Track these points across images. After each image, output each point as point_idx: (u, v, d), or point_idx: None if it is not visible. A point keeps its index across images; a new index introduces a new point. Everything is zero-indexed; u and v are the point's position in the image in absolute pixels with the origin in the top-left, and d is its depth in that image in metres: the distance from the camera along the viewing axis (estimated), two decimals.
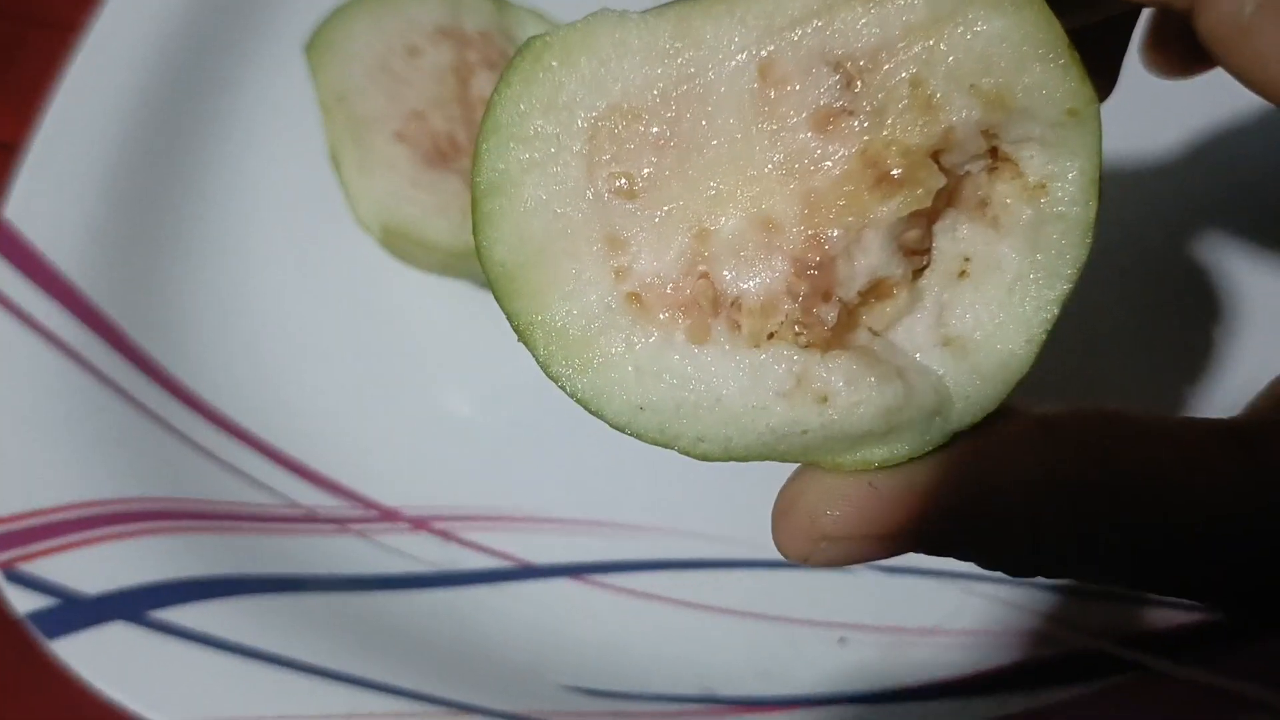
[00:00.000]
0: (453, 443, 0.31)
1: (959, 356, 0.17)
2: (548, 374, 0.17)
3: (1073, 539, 0.19)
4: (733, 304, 0.17)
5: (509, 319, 0.17)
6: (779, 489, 0.29)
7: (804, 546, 0.20)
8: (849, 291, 0.17)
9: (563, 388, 0.17)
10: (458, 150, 0.30)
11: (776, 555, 0.29)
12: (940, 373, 0.17)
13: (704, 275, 0.16)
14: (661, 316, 0.17)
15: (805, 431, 0.17)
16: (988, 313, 0.17)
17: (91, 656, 0.26)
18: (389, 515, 0.30)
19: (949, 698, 0.27)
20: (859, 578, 0.28)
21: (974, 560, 0.19)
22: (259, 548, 0.29)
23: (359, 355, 0.32)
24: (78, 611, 0.27)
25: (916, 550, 0.19)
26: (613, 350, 0.17)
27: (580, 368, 0.17)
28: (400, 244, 0.29)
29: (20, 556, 0.27)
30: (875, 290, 0.17)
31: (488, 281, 0.17)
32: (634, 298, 0.17)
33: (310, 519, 0.29)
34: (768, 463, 0.29)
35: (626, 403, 0.18)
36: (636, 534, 0.29)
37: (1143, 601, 0.27)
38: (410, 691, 0.26)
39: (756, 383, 0.17)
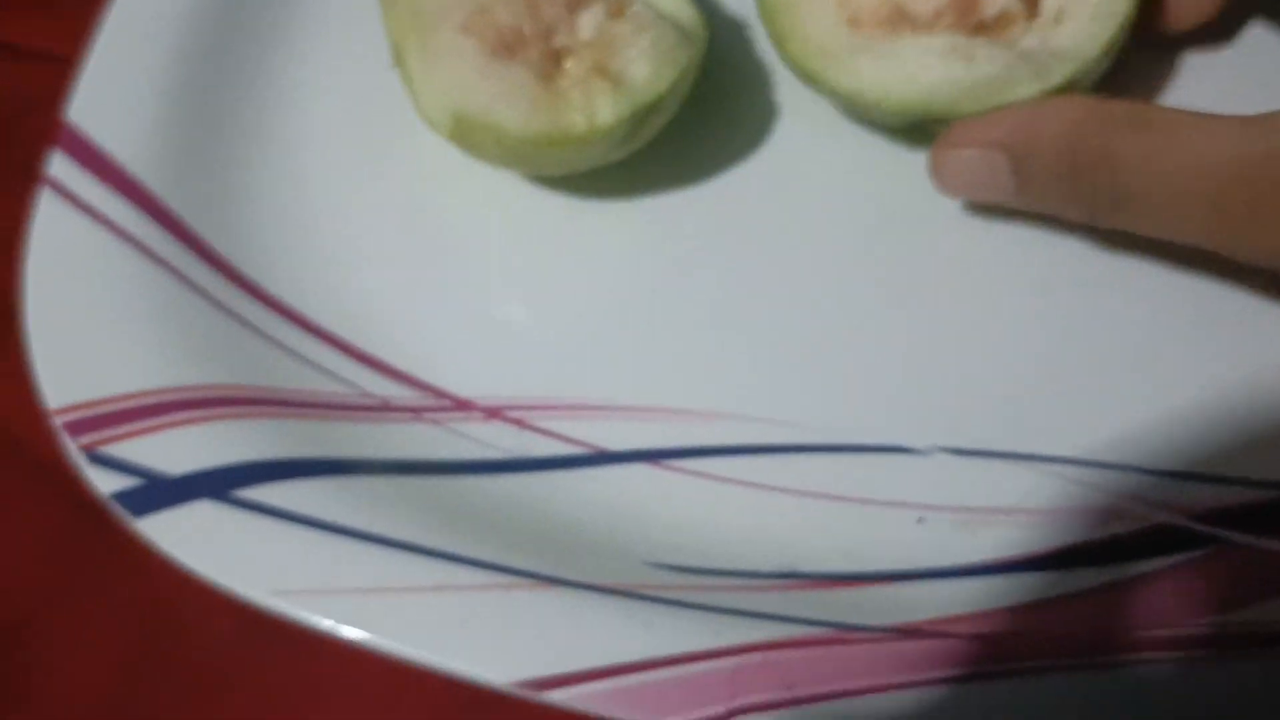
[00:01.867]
0: (520, 335, 0.31)
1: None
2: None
3: None
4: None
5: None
6: (856, 366, 0.29)
7: (938, 158, 0.28)
8: (989, 12, 0.29)
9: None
10: (524, 42, 0.30)
11: (852, 439, 0.29)
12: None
13: None
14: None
15: (955, 81, 0.28)
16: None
17: (178, 533, 0.26)
18: (462, 405, 0.30)
19: (1026, 571, 0.27)
20: (934, 460, 0.28)
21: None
22: (337, 433, 0.29)
23: (424, 250, 0.32)
24: (162, 491, 0.27)
25: (1021, 188, 0.27)
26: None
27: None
28: (470, 133, 0.29)
29: (102, 439, 0.28)
30: (1003, 19, 0.29)
31: None
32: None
33: (385, 407, 0.30)
34: (844, 349, 0.29)
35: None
36: (711, 420, 0.29)
37: (1218, 480, 0.28)
38: (496, 564, 0.26)
39: (927, 50, 0.28)
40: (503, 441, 0.29)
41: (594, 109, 0.28)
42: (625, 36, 0.29)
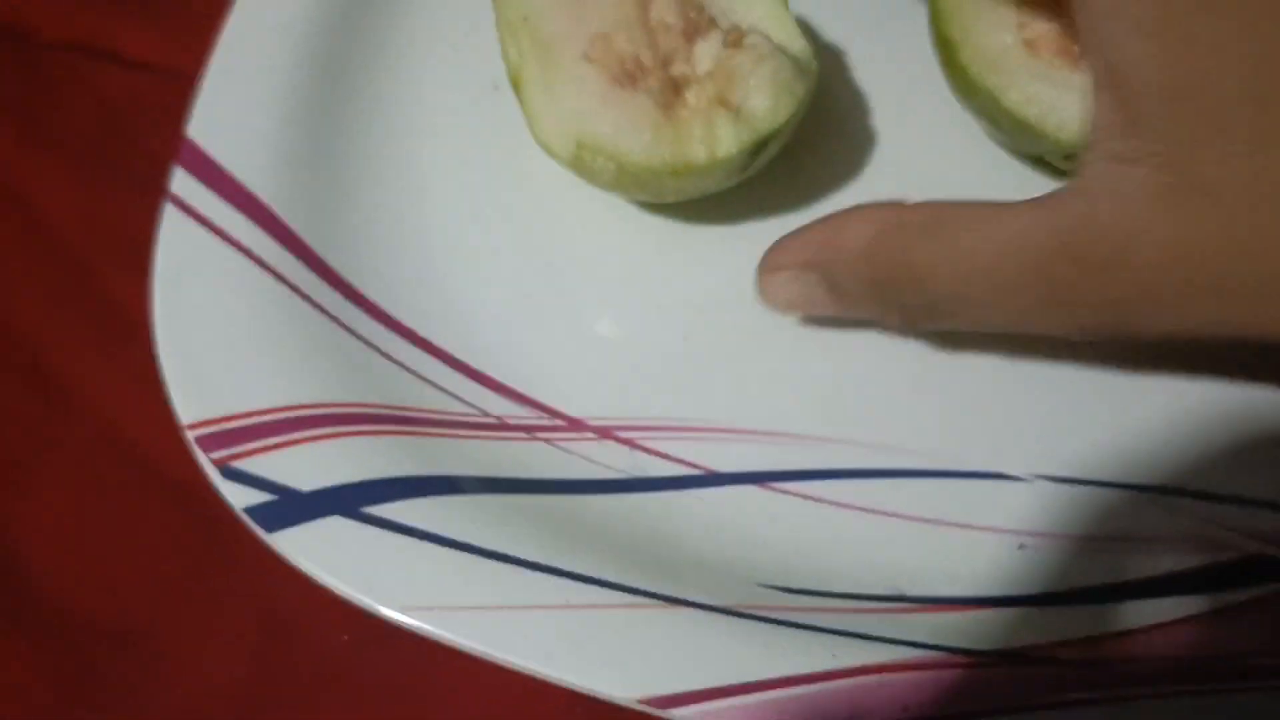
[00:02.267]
0: (629, 356, 0.32)
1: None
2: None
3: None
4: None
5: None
6: (959, 393, 0.30)
7: (763, 278, 0.29)
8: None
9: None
10: (644, 71, 0.30)
11: (955, 466, 0.30)
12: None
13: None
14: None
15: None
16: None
17: (310, 548, 0.27)
18: (575, 424, 0.31)
19: (1125, 599, 0.28)
20: (1034, 487, 0.29)
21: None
22: (458, 450, 0.30)
23: (536, 272, 0.33)
24: (295, 506, 0.28)
25: (837, 302, 0.28)
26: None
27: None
28: (590, 160, 0.30)
29: (234, 455, 0.29)
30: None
31: None
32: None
33: (502, 426, 0.30)
34: (947, 376, 0.30)
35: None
36: (817, 445, 0.30)
37: None
38: (618, 584, 0.27)
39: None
40: (616, 461, 0.30)
41: (716, 140, 0.29)
42: (745, 67, 0.29)
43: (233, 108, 0.33)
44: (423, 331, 0.32)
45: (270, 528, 0.28)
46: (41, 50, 0.38)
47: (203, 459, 0.29)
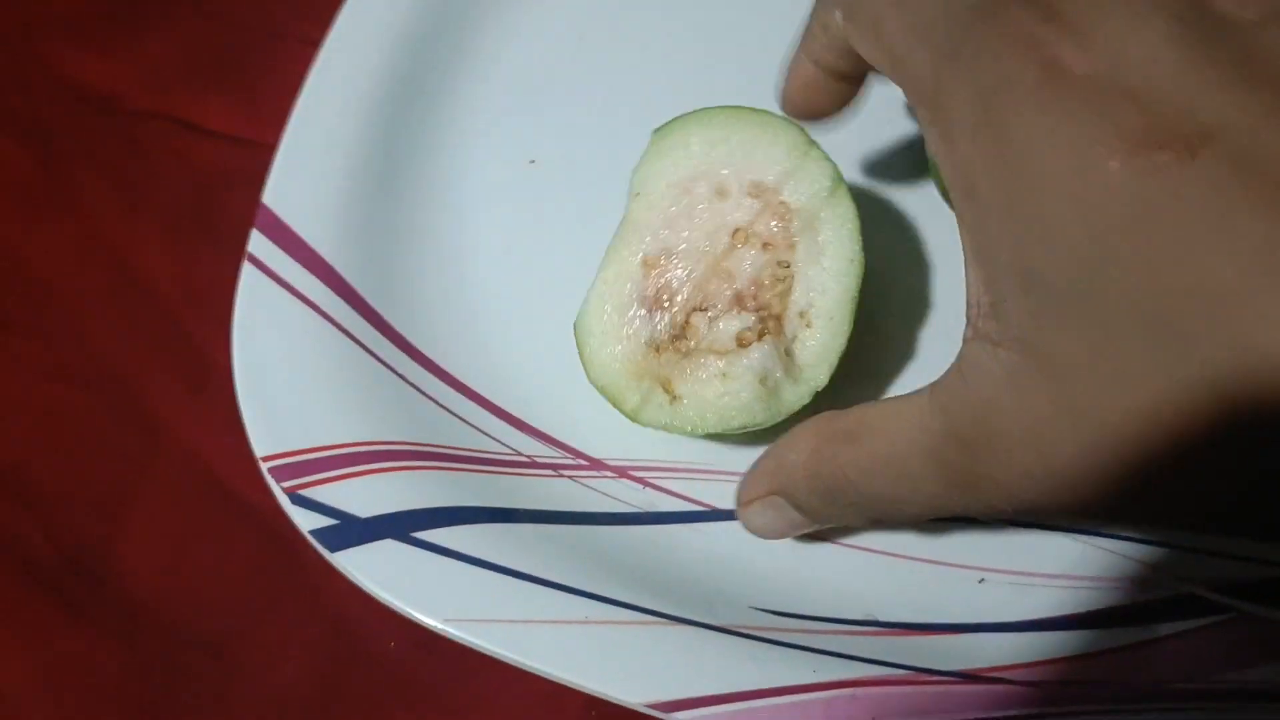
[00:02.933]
0: None
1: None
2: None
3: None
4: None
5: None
6: None
7: (741, 513, 0.32)
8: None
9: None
10: (666, 304, 0.33)
11: None
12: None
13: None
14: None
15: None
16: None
17: (366, 566, 0.32)
18: (596, 464, 0.35)
19: (1072, 629, 0.32)
20: (995, 530, 0.34)
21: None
22: (494, 485, 0.34)
23: (568, 331, 0.37)
24: (354, 530, 0.32)
25: (809, 517, 0.30)
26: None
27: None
28: (651, 416, 0.33)
29: (302, 484, 0.33)
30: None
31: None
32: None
33: (531, 464, 0.35)
34: None
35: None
36: None
37: (1235, 558, 0.33)
38: (630, 604, 0.32)
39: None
40: (630, 498, 0.35)
41: (780, 404, 0.32)
42: (801, 334, 0.32)
43: (303, 178, 0.38)
44: (465, 379, 0.36)
45: (333, 548, 0.32)
46: (135, 119, 0.43)
47: (275, 487, 0.33)
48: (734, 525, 0.34)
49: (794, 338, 0.32)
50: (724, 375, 0.31)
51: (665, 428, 0.32)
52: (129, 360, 0.39)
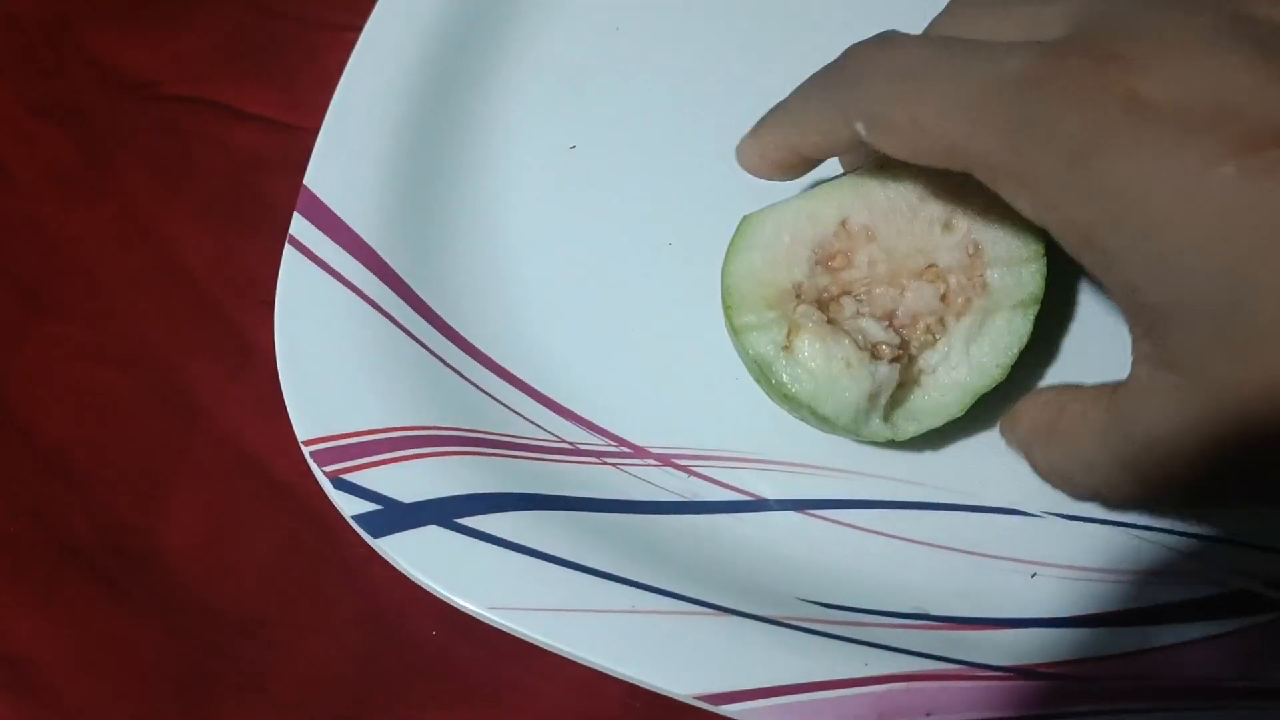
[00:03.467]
0: (688, 394, 0.35)
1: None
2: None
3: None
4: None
5: None
6: (981, 437, 0.34)
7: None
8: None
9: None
10: (834, 268, 0.32)
11: (976, 501, 0.34)
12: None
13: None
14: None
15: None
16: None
17: (410, 552, 0.32)
18: (639, 452, 0.35)
19: (1124, 625, 0.31)
20: (1046, 523, 0.33)
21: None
22: (538, 471, 0.34)
23: (609, 317, 0.37)
24: (398, 515, 0.32)
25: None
26: None
27: None
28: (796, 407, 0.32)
29: (345, 469, 0.33)
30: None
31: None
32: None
33: (575, 451, 0.35)
34: (970, 428, 0.34)
35: None
36: (854, 478, 0.34)
37: None
38: (676, 593, 0.31)
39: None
40: (674, 486, 0.34)
41: (863, 426, 0.32)
42: (915, 387, 0.32)
43: (345, 161, 0.38)
44: (508, 365, 0.36)
45: (376, 533, 0.32)
46: (170, 103, 0.43)
47: (318, 472, 0.33)
48: (779, 515, 0.34)
49: (911, 384, 0.32)
50: (847, 364, 0.31)
51: (758, 362, 0.31)
52: (169, 343, 0.38)
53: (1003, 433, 0.32)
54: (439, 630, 0.34)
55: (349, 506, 0.32)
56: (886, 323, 0.32)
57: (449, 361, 0.36)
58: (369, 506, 0.32)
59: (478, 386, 0.35)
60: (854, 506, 0.34)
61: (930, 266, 0.32)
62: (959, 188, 0.31)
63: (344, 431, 0.33)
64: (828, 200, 0.32)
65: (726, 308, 0.32)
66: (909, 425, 0.32)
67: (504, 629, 0.31)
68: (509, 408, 0.35)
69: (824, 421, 0.31)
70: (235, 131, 0.42)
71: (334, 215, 0.37)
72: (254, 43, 0.44)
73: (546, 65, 0.41)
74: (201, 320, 0.39)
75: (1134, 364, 0.25)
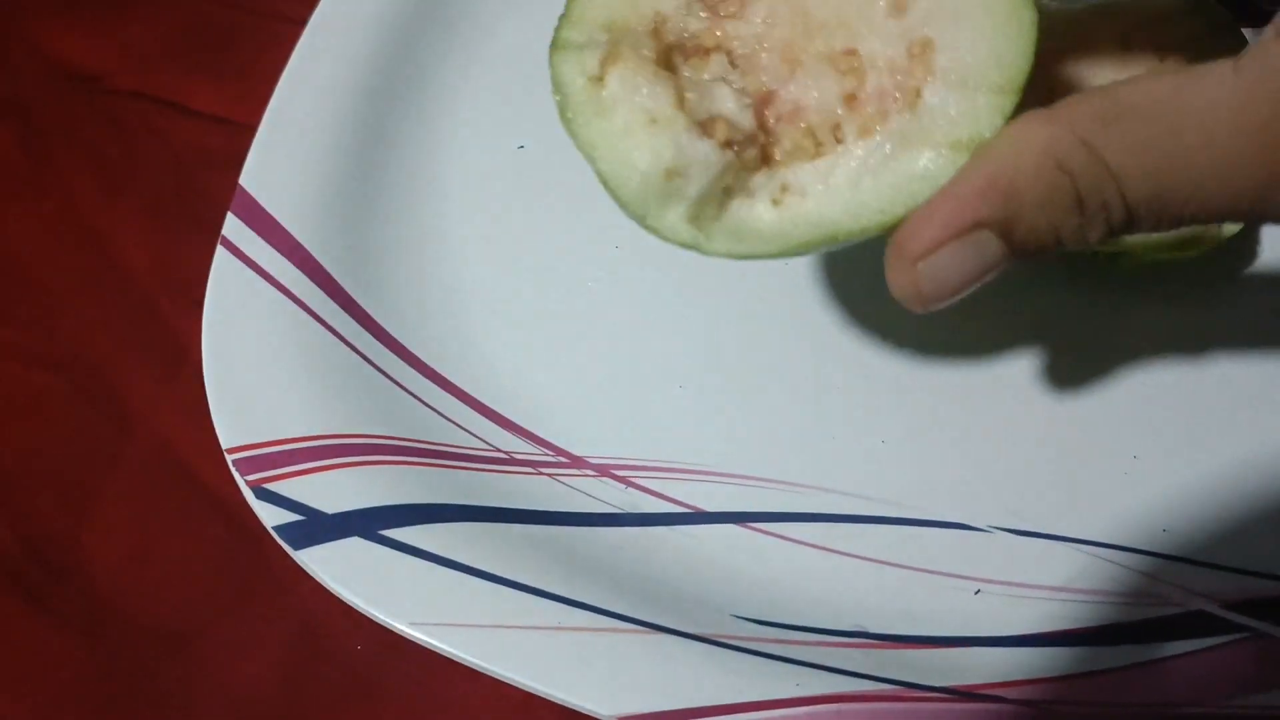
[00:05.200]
0: (629, 403, 0.35)
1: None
2: None
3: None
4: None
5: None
6: (927, 449, 0.33)
7: (908, 278, 0.23)
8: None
9: None
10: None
11: (921, 515, 0.33)
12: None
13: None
14: None
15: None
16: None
17: (331, 565, 0.31)
18: (576, 462, 0.34)
19: (1071, 645, 0.30)
20: (993, 538, 0.32)
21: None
22: (468, 482, 0.33)
23: (548, 322, 0.36)
24: (319, 526, 0.31)
25: (1015, 250, 0.23)
26: None
27: None
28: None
29: (268, 478, 0.32)
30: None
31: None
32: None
33: (510, 461, 0.34)
34: (918, 436, 0.33)
35: None
36: (795, 490, 0.33)
37: (1252, 574, 0.31)
38: (606, 610, 0.30)
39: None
40: (611, 497, 0.33)
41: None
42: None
43: (283, 160, 0.37)
44: (444, 371, 0.35)
45: (297, 545, 0.31)
46: (115, 97, 0.42)
47: (240, 480, 0.32)
48: (717, 528, 0.33)
49: (760, 194, 0.24)
50: (651, 120, 0.23)
51: (557, 86, 0.24)
52: (102, 345, 0.37)
53: (960, 197, 0.23)
54: (365, 646, 0.33)
55: (271, 517, 0.31)
56: (750, 101, 0.24)
57: (382, 367, 0.35)
58: (291, 517, 0.31)
59: (411, 393, 0.34)
60: (794, 520, 0.33)
61: (849, 52, 0.24)
62: None
63: (269, 439, 0.33)
64: None
65: (562, 15, 0.25)
66: (723, 239, 0.24)
67: (425, 645, 0.30)
68: (443, 415, 0.34)
69: (607, 188, 0.24)
70: (180, 127, 0.41)
71: (269, 216, 0.36)
72: (203, 35, 0.43)
73: (496, 63, 0.40)
74: (137, 322, 0.38)
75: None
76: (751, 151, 0.24)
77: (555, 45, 0.24)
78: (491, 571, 0.31)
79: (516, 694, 0.29)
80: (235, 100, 0.42)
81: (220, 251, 0.35)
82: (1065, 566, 0.31)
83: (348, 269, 0.36)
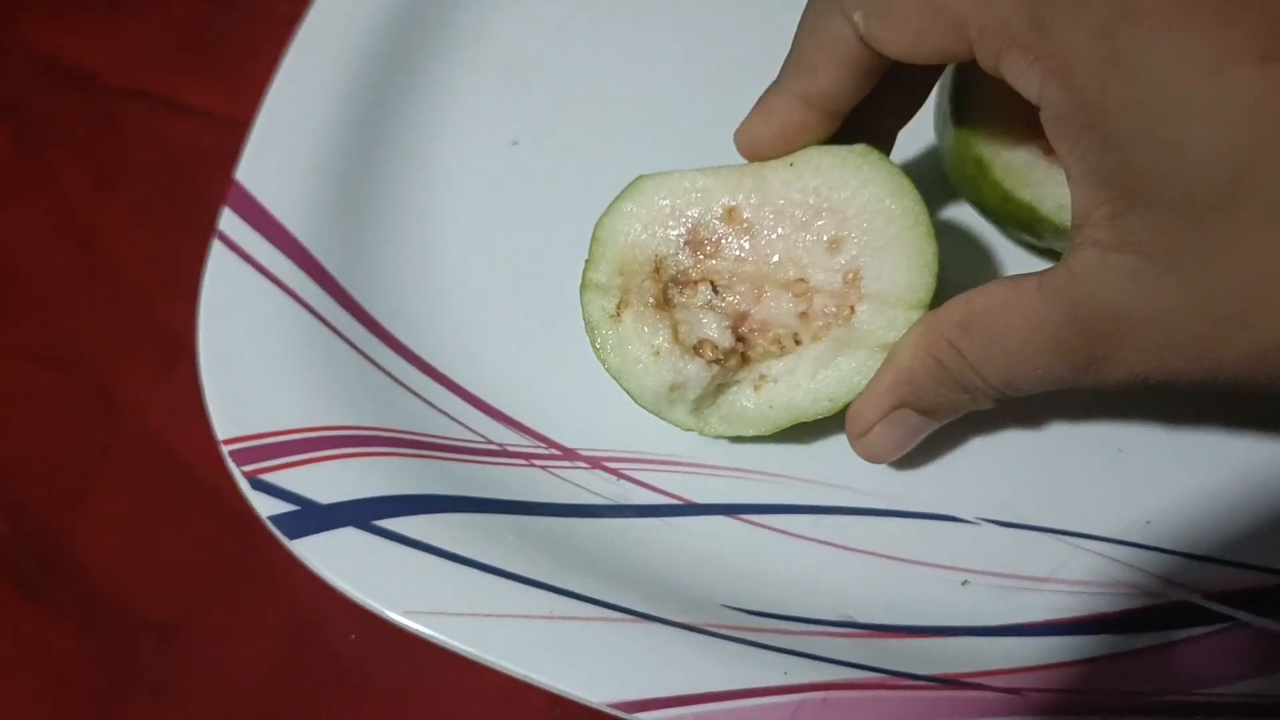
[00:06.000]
0: (621, 396, 0.34)
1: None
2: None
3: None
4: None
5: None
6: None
7: (861, 447, 0.31)
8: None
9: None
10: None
11: (908, 507, 0.33)
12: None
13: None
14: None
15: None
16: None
17: (326, 555, 0.31)
18: (569, 454, 0.34)
19: (1056, 635, 0.31)
20: (980, 529, 0.32)
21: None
22: (462, 473, 0.33)
23: (542, 315, 0.36)
24: (314, 516, 0.31)
25: (934, 417, 0.30)
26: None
27: None
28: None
29: (263, 469, 0.32)
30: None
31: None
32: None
33: (503, 453, 0.34)
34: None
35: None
36: (785, 482, 0.33)
37: (1233, 564, 0.31)
38: (597, 600, 0.30)
39: None
40: (603, 489, 0.33)
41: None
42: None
43: (278, 155, 0.37)
44: (438, 364, 0.35)
45: (292, 535, 0.31)
46: (110, 95, 0.42)
47: (235, 471, 0.32)
48: (708, 520, 0.33)
49: (745, 384, 0.32)
50: (656, 353, 0.31)
51: (587, 322, 0.32)
52: (96, 339, 0.38)
53: (876, 392, 0.30)
54: (359, 635, 0.33)
55: (265, 507, 0.32)
56: (730, 323, 0.31)
57: (376, 360, 0.35)
58: (286, 507, 0.32)
59: (405, 386, 0.35)
60: (784, 511, 0.33)
61: (799, 280, 0.31)
62: (868, 208, 0.30)
63: (264, 430, 0.33)
64: (724, 180, 0.31)
65: (587, 259, 0.32)
66: (718, 424, 0.32)
67: (418, 634, 0.30)
68: (437, 408, 0.34)
69: (629, 395, 0.32)
70: (174, 125, 0.41)
71: (265, 210, 0.36)
72: (198, 33, 0.44)
73: (492, 59, 0.41)
74: (130, 317, 0.38)
75: (1075, 253, 0.25)
76: (733, 360, 0.31)
77: (583, 285, 0.32)
78: (484, 561, 0.31)
79: (505, 683, 0.30)
80: (229, 97, 0.42)
81: (215, 245, 0.36)
82: (1051, 558, 0.32)
83: (342, 262, 0.36)
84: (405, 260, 0.37)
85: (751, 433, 0.32)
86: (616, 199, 0.32)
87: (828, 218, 0.30)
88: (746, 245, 0.31)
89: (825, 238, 0.30)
